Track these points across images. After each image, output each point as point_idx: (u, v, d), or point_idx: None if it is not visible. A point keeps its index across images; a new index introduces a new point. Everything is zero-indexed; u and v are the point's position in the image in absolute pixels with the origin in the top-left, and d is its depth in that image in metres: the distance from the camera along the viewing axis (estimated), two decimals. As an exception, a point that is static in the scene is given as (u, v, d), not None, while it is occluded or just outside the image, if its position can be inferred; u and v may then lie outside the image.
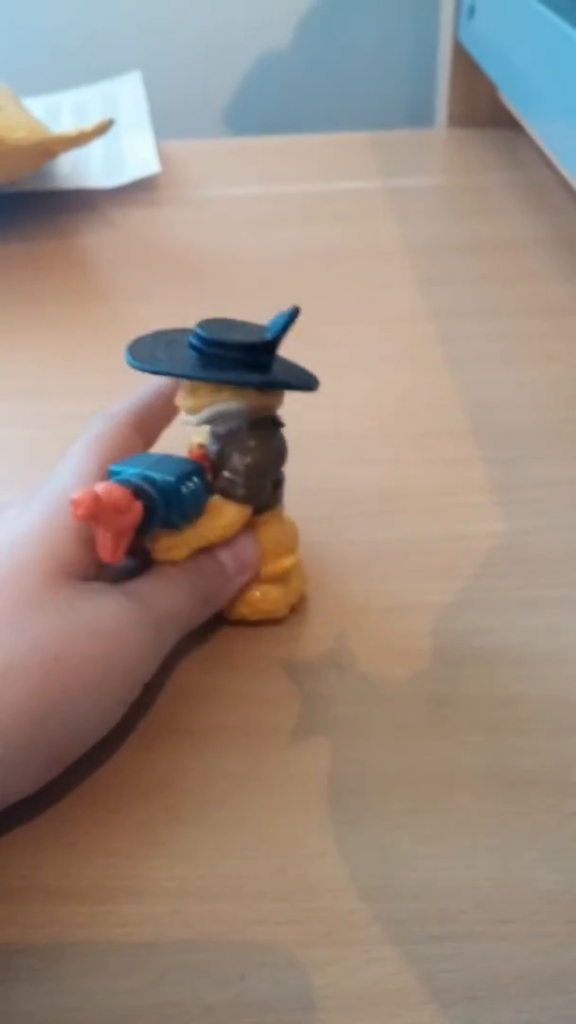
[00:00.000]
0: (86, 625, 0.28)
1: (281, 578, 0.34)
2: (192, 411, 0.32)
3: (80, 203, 0.67)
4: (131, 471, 0.30)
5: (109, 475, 0.30)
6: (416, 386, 0.47)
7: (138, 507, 0.29)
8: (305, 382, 0.32)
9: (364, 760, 0.30)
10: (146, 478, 0.29)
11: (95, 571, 0.30)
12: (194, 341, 0.31)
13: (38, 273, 0.59)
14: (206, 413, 0.31)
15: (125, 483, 0.29)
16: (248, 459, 0.31)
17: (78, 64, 0.92)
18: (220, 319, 0.32)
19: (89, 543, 0.29)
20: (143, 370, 0.31)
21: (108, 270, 0.59)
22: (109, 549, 0.28)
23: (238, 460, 0.31)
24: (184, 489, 0.30)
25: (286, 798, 0.29)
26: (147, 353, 0.31)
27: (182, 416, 0.32)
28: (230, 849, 0.28)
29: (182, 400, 0.32)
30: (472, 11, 0.68)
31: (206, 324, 0.31)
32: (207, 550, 0.32)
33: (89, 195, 0.67)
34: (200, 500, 0.31)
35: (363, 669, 0.33)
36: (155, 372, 0.31)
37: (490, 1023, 0.24)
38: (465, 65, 0.73)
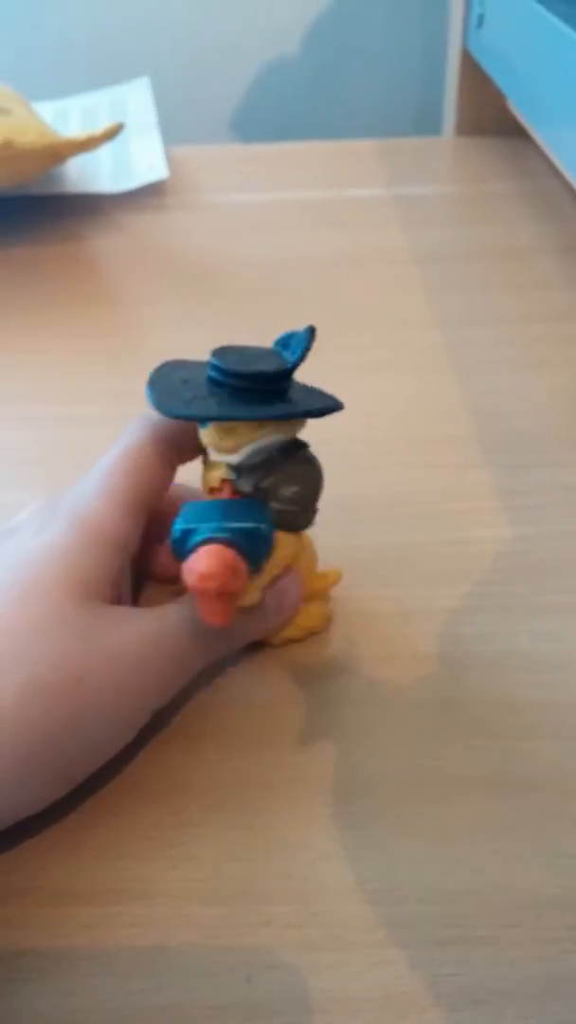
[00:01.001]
0: (108, 651, 0.27)
1: (322, 594, 0.34)
2: (232, 451, 0.30)
3: (88, 207, 0.67)
4: (208, 526, 0.28)
5: (177, 535, 0.28)
6: (422, 392, 0.47)
7: (244, 567, 0.28)
8: (335, 403, 0.31)
9: (370, 764, 0.30)
10: (231, 531, 0.28)
11: (117, 593, 0.30)
12: (215, 376, 0.30)
13: (46, 276, 0.59)
14: (248, 450, 0.30)
15: (220, 541, 0.28)
16: (298, 488, 0.30)
17: (86, 69, 0.92)
18: (230, 348, 0.30)
19: (113, 565, 0.29)
20: (177, 417, 0.29)
21: (115, 274, 0.59)
22: (223, 615, 0.28)
23: (287, 490, 0.30)
24: (265, 533, 0.29)
25: (293, 801, 0.29)
26: (169, 395, 0.30)
27: (213, 456, 0.31)
28: (236, 852, 0.28)
29: (218, 440, 0.30)
30: (481, 20, 0.69)
31: (222, 356, 0.30)
32: None
33: (97, 200, 0.68)
34: (272, 540, 0.30)
35: (369, 673, 0.33)
36: (192, 418, 0.30)
37: (495, 1027, 0.24)
38: (473, 73, 0.73)
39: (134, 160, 0.71)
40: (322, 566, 0.35)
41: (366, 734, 0.31)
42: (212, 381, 0.30)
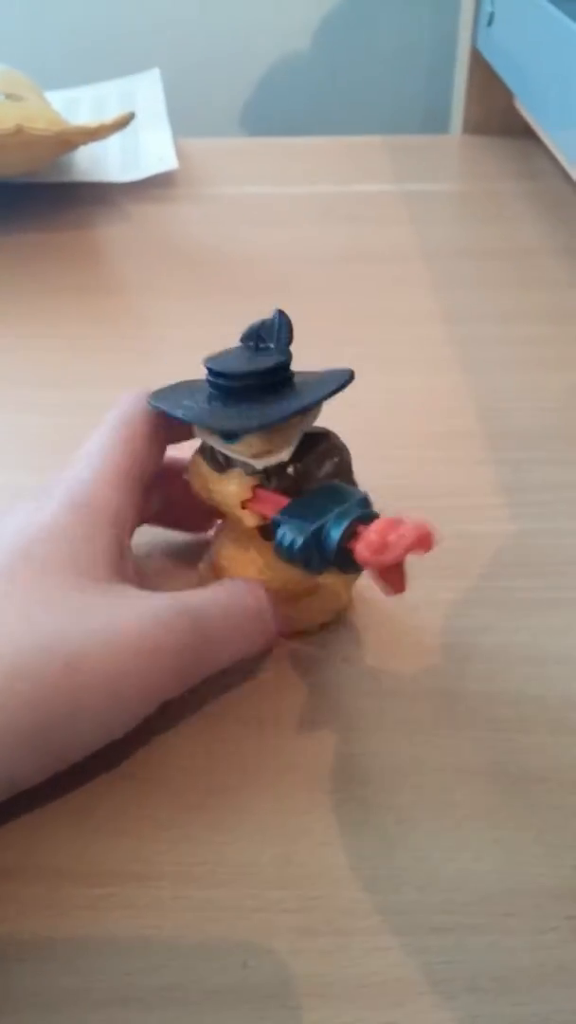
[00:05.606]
0: (102, 634, 0.26)
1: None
2: (282, 447, 0.29)
3: (97, 196, 0.67)
4: (338, 514, 0.28)
5: (303, 541, 0.27)
6: (428, 388, 0.47)
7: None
8: (346, 374, 0.31)
9: (371, 752, 0.30)
10: (360, 506, 0.28)
11: (118, 571, 0.29)
12: (222, 382, 0.29)
13: (54, 263, 0.59)
14: (295, 441, 0.30)
15: (362, 520, 0.27)
16: (337, 459, 0.31)
17: (98, 60, 0.92)
18: (218, 355, 0.30)
19: (110, 542, 0.28)
20: (232, 430, 0.28)
21: (122, 263, 0.59)
22: (404, 578, 0.27)
23: (328, 464, 0.30)
24: None
25: (292, 787, 0.29)
26: (177, 403, 0.30)
27: (256, 463, 0.29)
28: (235, 836, 0.28)
29: (267, 445, 0.29)
30: (491, 19, 0.69)
31: (217, 363, 0.29)
32: None
33: (106, 188, 0.68)
34: None
35: (372, 663, 0.33)
36: (241, 430, 0.28)
37: (491, 1015, 0.24)
38: (482, 72, 0.74)
39: (143, 150, 0.72)
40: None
41: (368, 722, 0.31)
42: (215, 387, 0.29)
